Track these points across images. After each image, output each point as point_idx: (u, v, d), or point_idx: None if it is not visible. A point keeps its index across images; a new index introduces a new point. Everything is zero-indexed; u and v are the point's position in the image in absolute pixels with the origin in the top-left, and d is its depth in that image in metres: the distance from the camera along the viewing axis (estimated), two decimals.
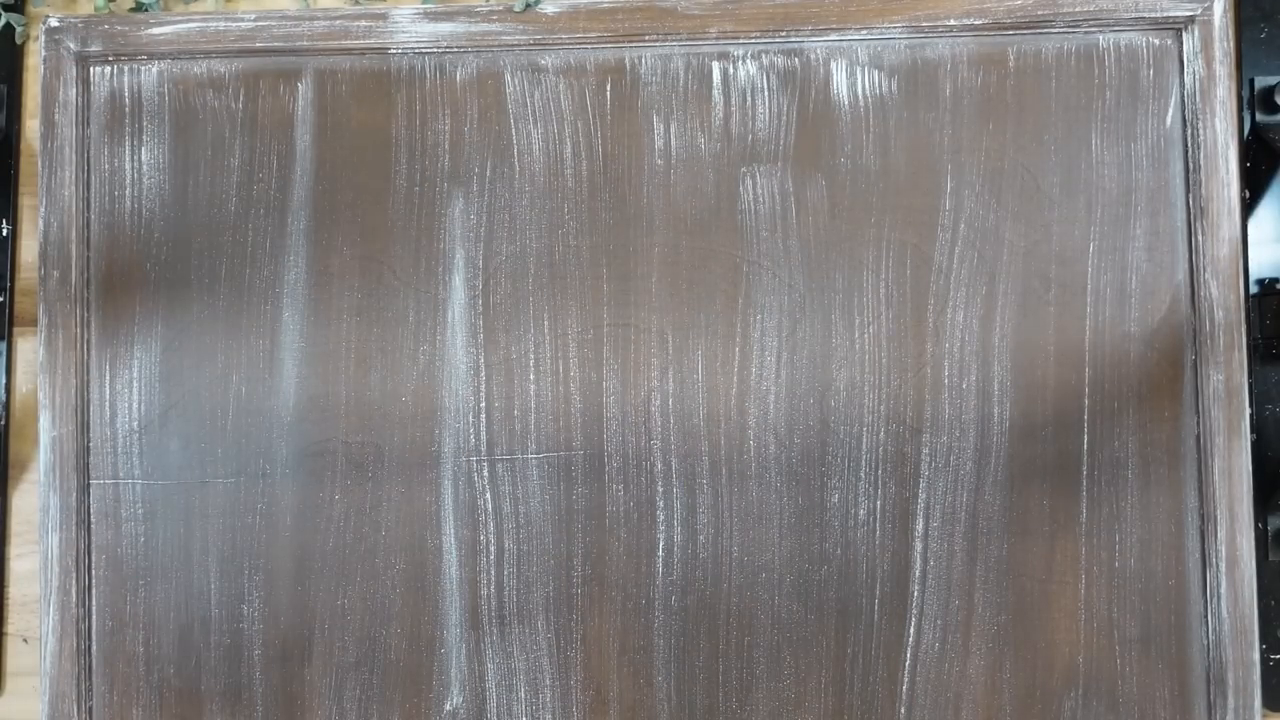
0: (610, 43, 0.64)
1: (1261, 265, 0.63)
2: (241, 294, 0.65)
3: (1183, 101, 0.62)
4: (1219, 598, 0.60)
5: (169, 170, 0.66)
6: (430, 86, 0.65)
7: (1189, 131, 0.61)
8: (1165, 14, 0.61)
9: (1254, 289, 0.63)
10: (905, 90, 0.63)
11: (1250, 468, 0.60)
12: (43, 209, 0.65)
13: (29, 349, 0.69)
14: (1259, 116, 0.64)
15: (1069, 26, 0.62)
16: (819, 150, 0.63)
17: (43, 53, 0.65)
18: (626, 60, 0.64)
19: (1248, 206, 0.63)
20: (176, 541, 0.65)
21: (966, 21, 0.62)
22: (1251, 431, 0.61)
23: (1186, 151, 0.61)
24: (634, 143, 0.64)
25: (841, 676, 0.62)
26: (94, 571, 0.65)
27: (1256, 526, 0.61)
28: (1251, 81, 0.64)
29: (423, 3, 0.66)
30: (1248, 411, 0.60)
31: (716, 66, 0.64)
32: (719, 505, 0.63)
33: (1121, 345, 0.62)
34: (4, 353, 0.68)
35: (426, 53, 0.65)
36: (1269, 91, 0.63)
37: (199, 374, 0.65)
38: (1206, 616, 0.61)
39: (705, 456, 0.63)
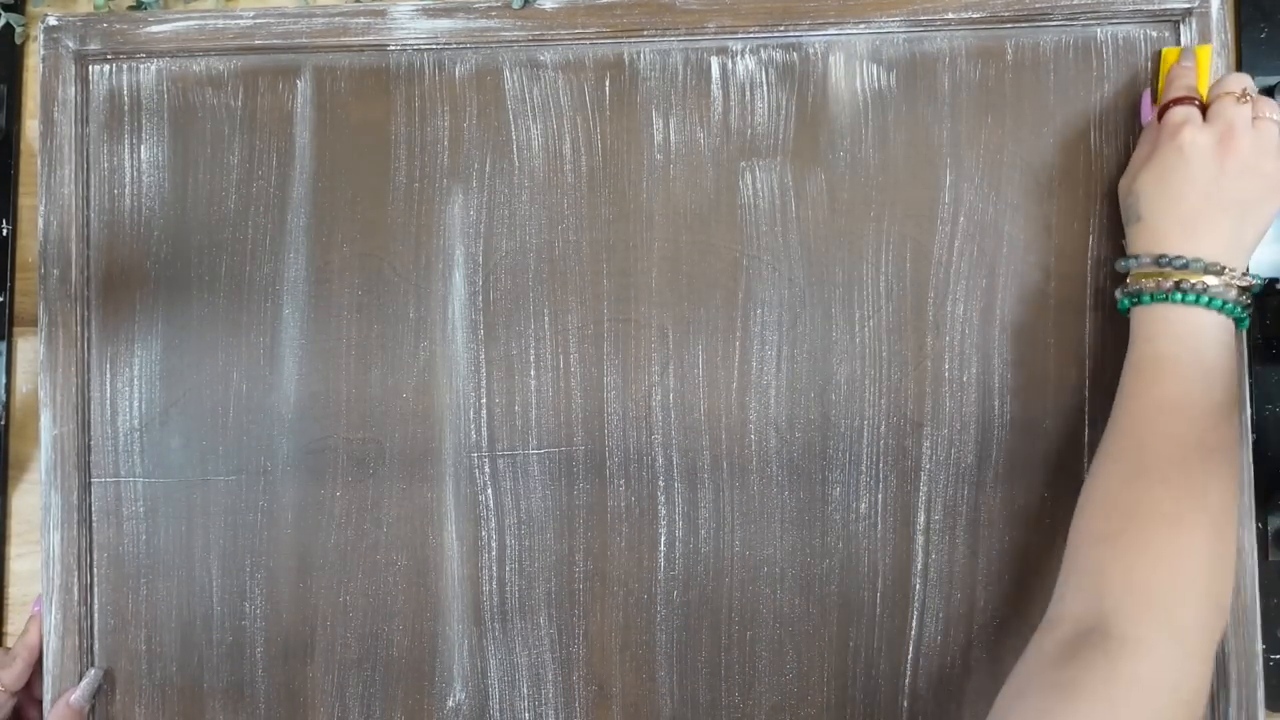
0: (609, 38, 0.64)
1: (1261, 265, 0.63)
2: (242, 291, 0.65)
3: None
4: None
5: (168, 168, 0.66)
6: (429, 83, 0.65)
7: None
8: (1163, 6, 0.61)
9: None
10: (904, 84, 0.63)
11: (1251, 464, 0.60)
12: (42, 208, 0.65)
13: (29, 349, 0.69)
14: None
15: (1067, 19, 0.62)
16: (818, 144, 0.63)
17: (41, 52, 0.65)
18: (625, 55, 0.64)
19: None
20: (178, 539, 0.65)
21: (964, 15, 0.62)
22: (1251, 431, 0.61)
23: None
24: (633, 138, 0.64)
25: (844, 670, 0.62)
26: (95, 570, 0.65)
27: (1257, 526, 0.61)
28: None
29: None
30: (1248, 407, 0.60)
31: (715, 61, 0.64)
32: (720, 500, 0.63)
33: (1122, 339, 0.61)
34: (4, 352, 0.68)
35: (425, 49, 0.65)
36: (1269, 91, 0.63)
37: (199, 372, 0.65)
38: None
39: (706, 451, 0.63)
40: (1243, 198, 0.50)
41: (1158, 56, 0.60)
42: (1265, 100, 0.52)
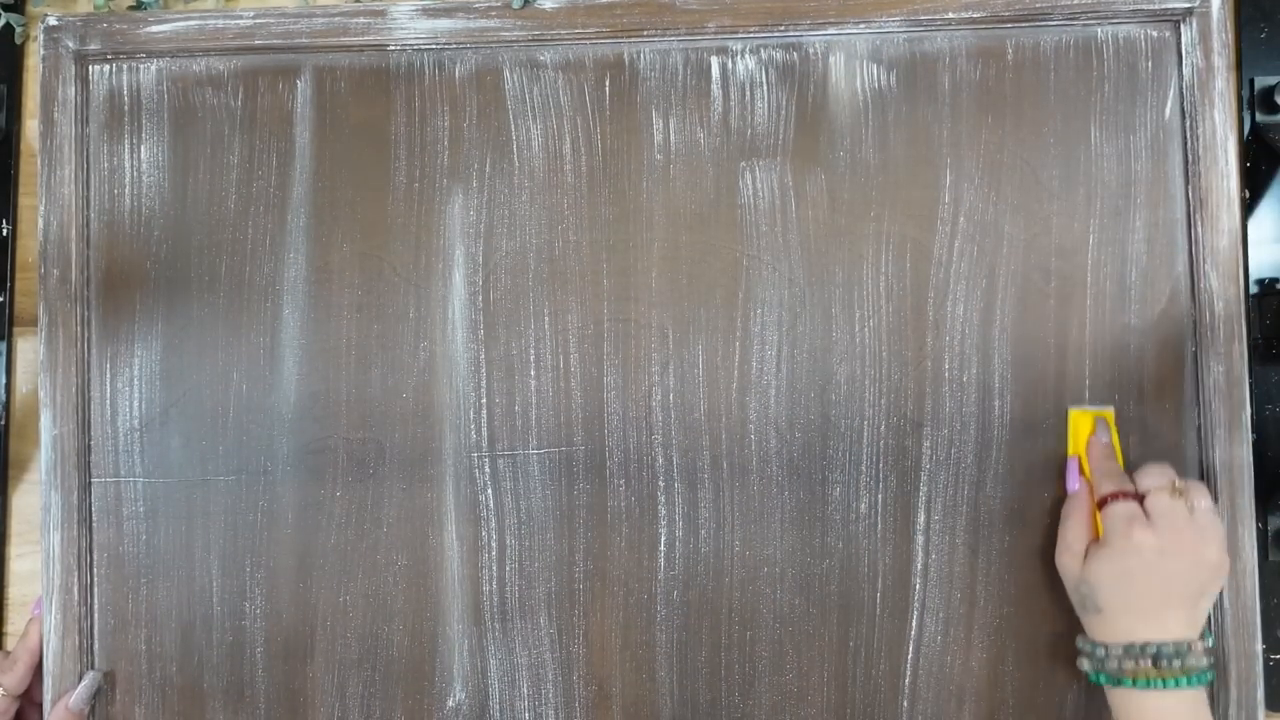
0: (609, 38, 0.64)
1: (1261, 265, 0.63)
2: (242, 291, 0.65)
3: (1181, 93, 0.62)
4: (1220, 590, 0.60)
5: (168, 168, 0.66)
6: (429, 83, 0.65)
7: (1187, 123, 0.61)
8: (1163, 6, 0.61)
9: (1254, 289, 0.63)
10: (904, 84, 0.63)
11: (1251, 464, 0.60)
12: (42, 208, 0.65)
13: (29, 349, 0.69)
14: (1259, 116, 0.63)
15: (1067, 19, 0.62)
16: (818, 144, 0.63)
17: (41, 52, 0.65)
18: (625, 55, 0.64)
19: (1247, 206, 0.63)
20: (178, 539, 0.65)
21: (964, 15, 0.62)
22: (1251, 431, 0.61)
23: (1185, 143, 0.61)
24: (633, 138, 0.64)
25: (844, 670, 0.62)
26: (95, 570, 0.65)
27: (1257, 526, 0.61)
28: (1252, 81, 0.64)
29: None
30: (1248, 405, 0.60)
31: (715, 61, 0.64)
32: (720, 500, 0.63)
33: (1122, 337, 0.62)
34: (4, 352, 0.68)
35: (425, 49, 0.65)
36: (1269, 91, 0.63)
37: (199, 372, 0.65)
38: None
39: (706, 451, 0.63)
40: (1196, 587, 0.55)
41: (1064, 416, 0.62)
42: (1194, 487, 0.56)
